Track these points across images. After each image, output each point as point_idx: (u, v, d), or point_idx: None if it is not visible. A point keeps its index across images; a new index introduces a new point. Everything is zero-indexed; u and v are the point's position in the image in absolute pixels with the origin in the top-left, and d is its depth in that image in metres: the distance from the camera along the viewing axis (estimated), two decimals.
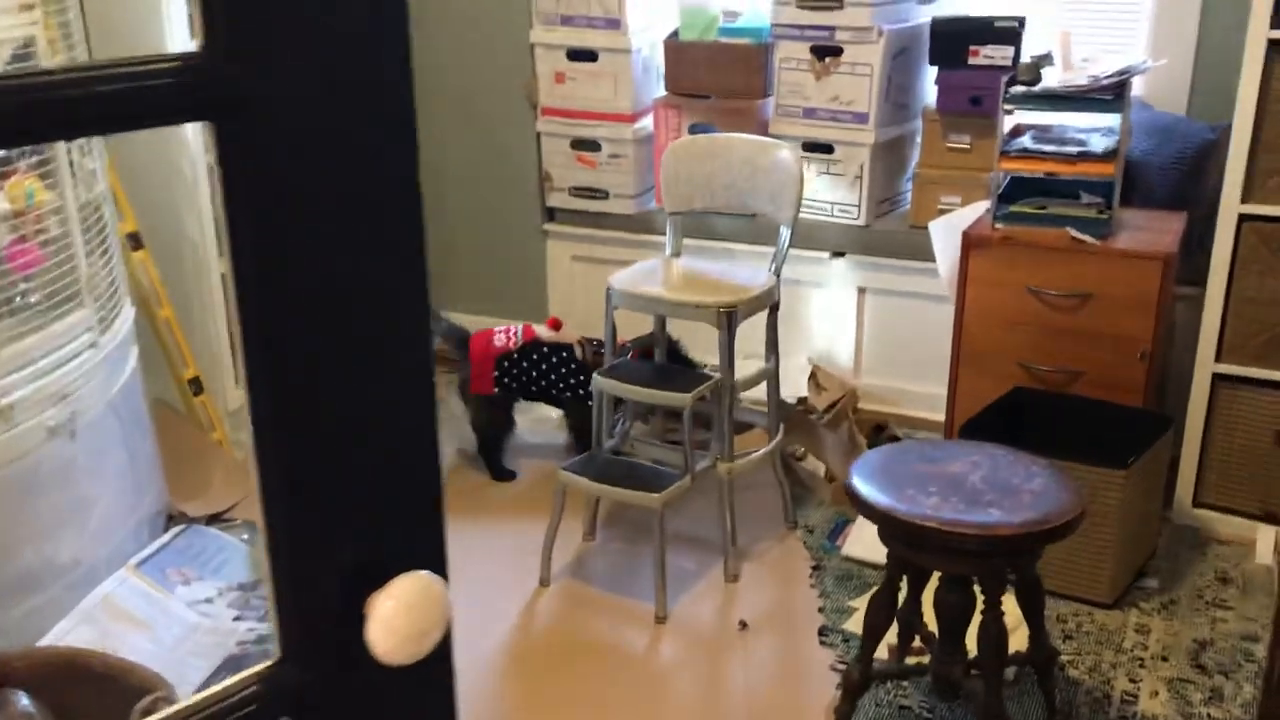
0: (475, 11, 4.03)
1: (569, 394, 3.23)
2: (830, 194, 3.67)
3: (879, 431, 3.48)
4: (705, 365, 3.47)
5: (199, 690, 2.49)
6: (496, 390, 3.24)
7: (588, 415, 3.14)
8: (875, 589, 2.26)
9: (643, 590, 2.80)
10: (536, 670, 2.60)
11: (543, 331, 3.22)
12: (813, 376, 3.74)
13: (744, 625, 2.71)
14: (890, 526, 2.11)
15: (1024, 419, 2.92)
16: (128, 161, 3.56)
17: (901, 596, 2.27)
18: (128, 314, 2.95)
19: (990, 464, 2.24)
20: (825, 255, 3.72)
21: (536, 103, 3.99)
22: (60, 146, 2.50)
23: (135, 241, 3.44)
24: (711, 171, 3.06)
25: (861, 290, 3.72)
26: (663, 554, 2.73)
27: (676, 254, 3.14)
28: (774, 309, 2.99)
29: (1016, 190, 3.07)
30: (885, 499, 2.12)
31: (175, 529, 2.98)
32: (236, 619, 2.76)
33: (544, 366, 3.21)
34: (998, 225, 3.04)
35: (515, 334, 3.23)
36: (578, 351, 3.18)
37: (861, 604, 2.76)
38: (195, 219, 3.51)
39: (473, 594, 2.86)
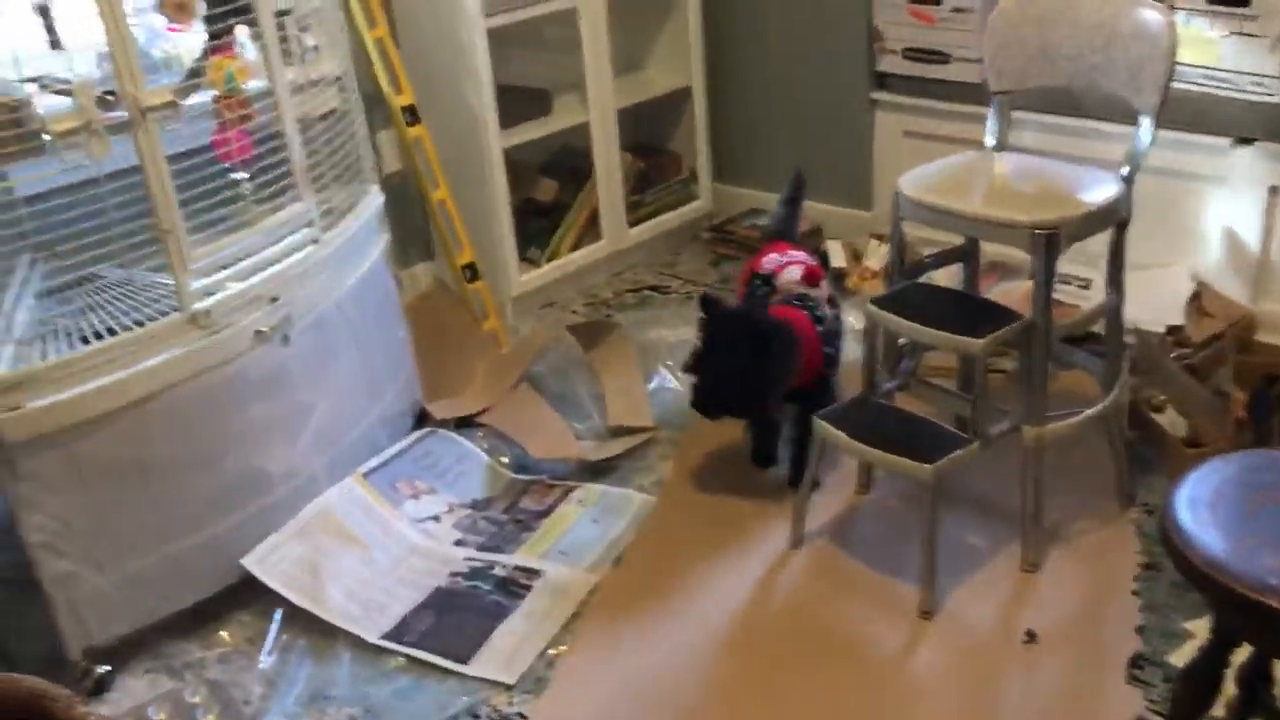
0: None
1: None
2: (1240, 61, 2.77)
3: (1271, 383, 2.65)
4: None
5: (397, 625, 2.30)
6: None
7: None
8: (1195, 655, 1.62)
9: (915, 569, 2.27)
10: (764, 653, 2.18)
11: (787, 276, 2.58)
12: (1196, 298, 2.93)
13: (1031, 637, 2.13)
14: (1216, 588, 1.46)
15: None
16: (408, 29, 3.33)
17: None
18: (373, 201, 2.73)
19: None
20: (1226, 142, 2.85)
21: None
22: (269, 23, 2.25)
23: (412, 116, 3.22)
24: (1053, 39, 2.33)
25: (1274, 190, 2.82)
26: (933, 536, 2.18)
27: (1000, 146, 2.46)
28: (1121, 226, 2.26)
29: None
30: (1212, 543, 1.46)
31: (416, 434, 2.79)
32: (458, 543, 2.54)
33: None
34: None
35: (781, 263, 2.64)
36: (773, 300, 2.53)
37: (1200, 629, 2.09)
38: (475, 89, 3.23)
39: (710, 547, 2.45)
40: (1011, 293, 3.08)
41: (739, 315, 2.44)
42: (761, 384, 2.37)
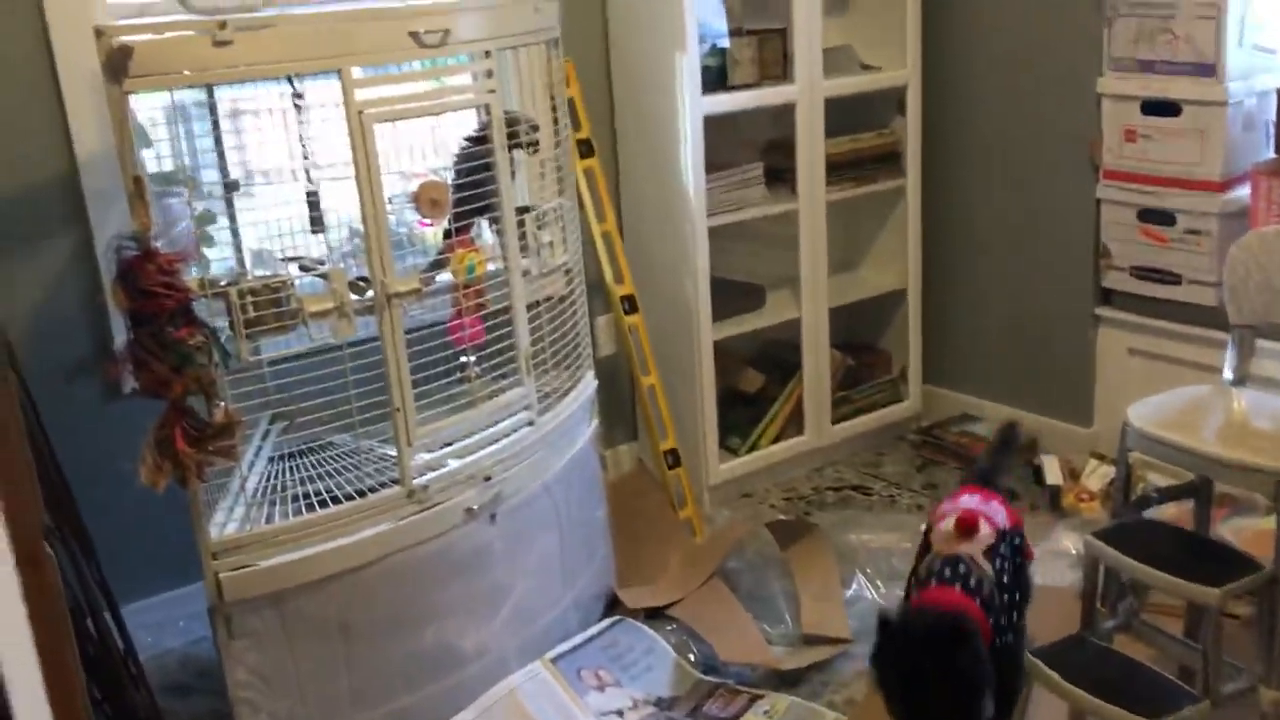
0: (1036, 55, 3.42)
1: None
2: None
3: None
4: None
5: None
6: None
7: None
8: None
9: None
10: None
11: (942, 529, 2.22)
12: None
13: None
14: None
15: None
16: (634, 223, 3.47)
17: None
18: (587, 385, 2.80)
19: None
20: None
21: (1099, 164, 3.29)
22: (510, 221, 2.38)
23: (630, 305, 3.33)
24: None
25: None
26: None
27: (1240, 381, 2.34)
28: None
29: None
30: None
31: (605, 621, 2.78)
32: None
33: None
34: None
35: (958, 509, 2.41)
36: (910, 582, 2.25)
37: None
38: (692, 283, 3.32)
39: None
40: (1245, 531, 2.88)
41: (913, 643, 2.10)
42: (973, 697, 2.01)
